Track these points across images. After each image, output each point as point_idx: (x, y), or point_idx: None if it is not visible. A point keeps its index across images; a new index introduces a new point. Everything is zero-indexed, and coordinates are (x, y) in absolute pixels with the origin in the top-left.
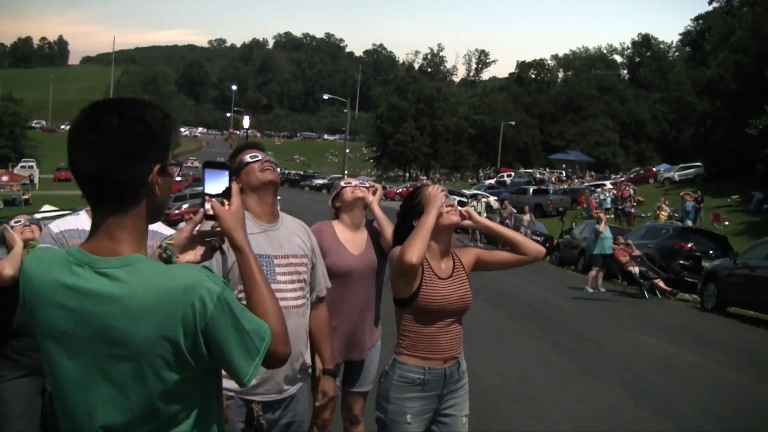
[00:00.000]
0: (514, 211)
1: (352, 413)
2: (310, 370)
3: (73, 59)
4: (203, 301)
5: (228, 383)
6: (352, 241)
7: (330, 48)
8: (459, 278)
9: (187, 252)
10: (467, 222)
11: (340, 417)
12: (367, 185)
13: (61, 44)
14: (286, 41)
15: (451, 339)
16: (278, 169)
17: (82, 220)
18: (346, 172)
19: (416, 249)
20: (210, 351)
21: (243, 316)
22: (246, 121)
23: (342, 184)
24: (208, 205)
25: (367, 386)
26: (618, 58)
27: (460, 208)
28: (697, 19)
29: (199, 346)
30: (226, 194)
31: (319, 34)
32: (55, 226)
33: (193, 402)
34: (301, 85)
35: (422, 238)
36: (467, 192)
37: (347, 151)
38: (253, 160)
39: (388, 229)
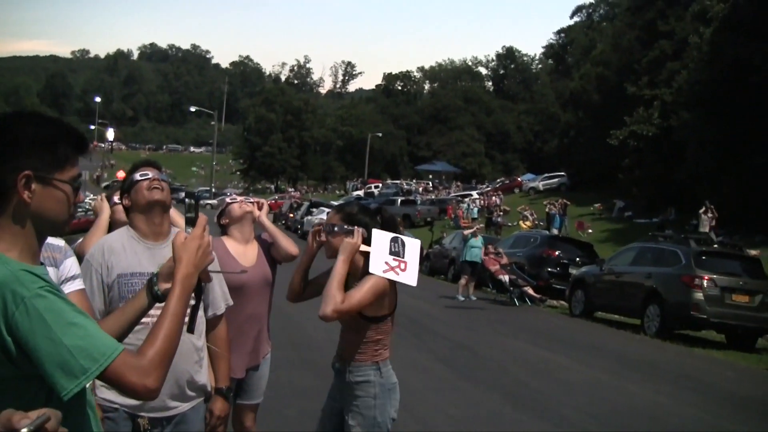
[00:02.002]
0: None
1: (244, 426)
2: (208, 388)
3: None
4: (5, 302)
5: (113, 395)
6: (243, 254)
7: (196, 59)
8: None
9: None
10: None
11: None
12: (252, 200)
13: None
14: (152, 52)
15: (343, 340)
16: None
17: None
18: (213, 185)
19: (333, 305)
20: (26, 355)
21: (64, 329)
22: (110, 134)
23: (228, 200)
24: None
25: (257, 398)
26: (483, 70)
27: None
28: (559, 32)
29: (6, 344)
30: (192, 223)
31: (185, 46)
32: None
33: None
34: (167, 96)
35: (330, 289)
36: (335, 203)
37: (215, 163)
38: (143, 178)
39: (281, 238)
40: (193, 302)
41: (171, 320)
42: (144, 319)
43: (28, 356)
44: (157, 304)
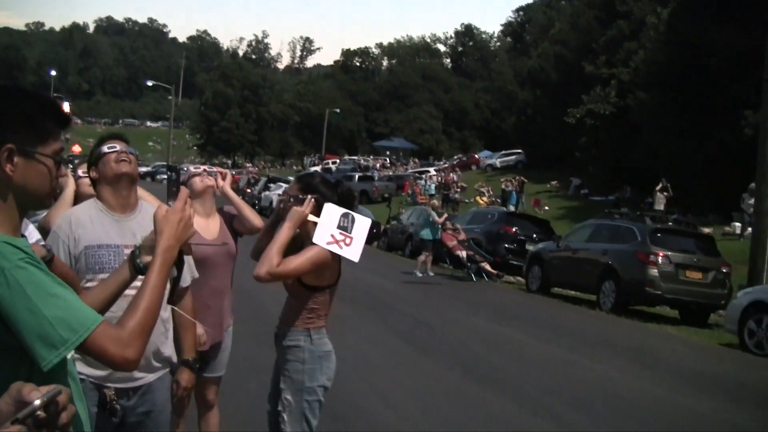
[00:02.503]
0: None
1: (207, 399)
2: (174, 359)
3: None
4: None
5: (79, 366)
6: (206, 228)
7: (153, 33)
8: None
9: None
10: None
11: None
12: (215, 170)
13: None
14: (108, 26)
15: (283, 308)
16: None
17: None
18: (170, 159)
19: (268, 267)
20: (6, 326)
21: (44, 300)
22: (66, 107)
23: (191, 171)
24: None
25: (220, 371)
26: (441, 48)
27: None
28: (518, 10)
29: None
30: (174, 196)
31: (142, 20)
32: None
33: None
34: (123, 71)
35: (269, 253)
36: (292, 179)
37: (171, 138)
38: (111, 150)
39: (246, 209)
40: (174, 274)
41: (151, 292)
42: (127, 291)
43: (9, 327)
44: (140, 277)
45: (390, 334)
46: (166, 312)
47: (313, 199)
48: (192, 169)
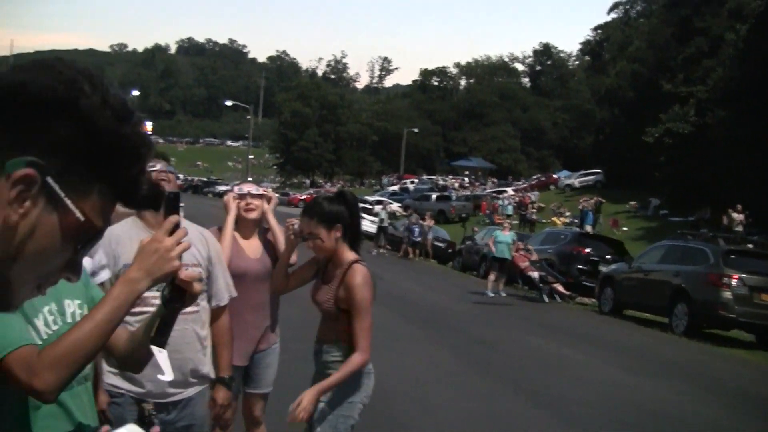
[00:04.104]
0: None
1: (253, 415)
2: (212, 376)
3: None
4: None
5: (118, 381)
6: (249, 245)
7: (233, 54)
8: (327, 286)
9: None
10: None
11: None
12: (261, 192)
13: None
14: (189, 46)
15: (321, 325)
16: (179, 178)
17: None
18: (249, 179)
19: (274, 285)
20: None
21: None
22: (148, 127)
23: (236, 190)
24: None
25: (266, 388)
26: (519, 67)
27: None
28: (596, 28)
29: None
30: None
31: (222, 40)
32: None
33: None
34: (203, 90)
35: (278, 273)
36: (370, 198)
37: (250, 157)
38: (150, 170)
39: (282, 239)
40: (162, 311)
41: (87, 324)
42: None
43: None
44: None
45: (447, 354)
46: (204, 330)
47: (339, 227)
48: (236, 189)
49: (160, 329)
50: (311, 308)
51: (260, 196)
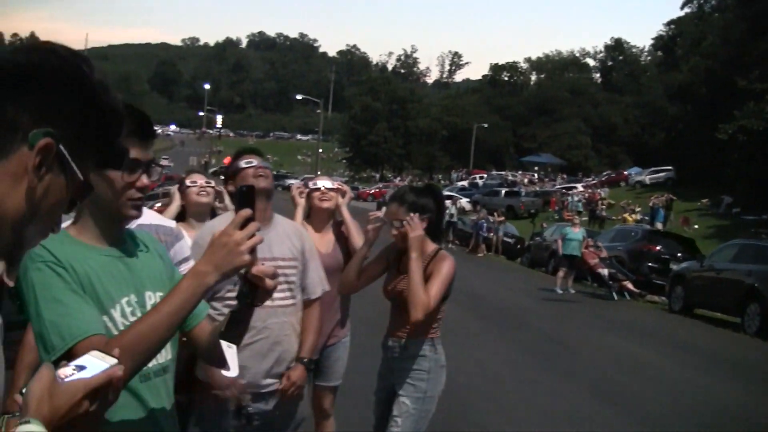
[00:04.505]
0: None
1: (323, 407)
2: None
3: None
4: (21, 270)
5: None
6: (321, 239)
7: (303, 48)
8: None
9: None
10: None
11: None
12: (336, 186)
13: (33, 41)
14: (260, 41)
15: (395, 320)
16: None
17: (150, 216)
18: (318, 172)
19: (344, 284)
20: None
21: (47, 304)
22: (219, 120)
23: (311, 185)
24: None
25: (335, 381)
26: (590, 62)
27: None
28: (669, 24)
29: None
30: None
31: (293, 34)
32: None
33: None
34: (274, 84)
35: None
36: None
37: (320, 151)
38: (248, 165)
39: (355, 233)
40: (235, 308)
41: (152, 315)
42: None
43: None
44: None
45: (519, 351)
46: (299, 323)
47: (425, 218)
48: (310, 185)
49: (230, 324)
50: (379, 303)
51: (335, 190)
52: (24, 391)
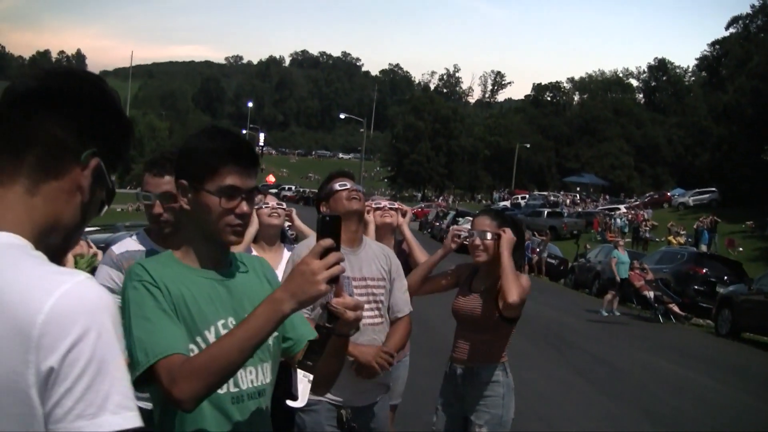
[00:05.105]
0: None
1: None
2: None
3: None
4: (123, 281)
5: None
6: None
7: (346, 67)
8: (481, 296)
9: None
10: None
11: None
12: (396, 206)
13: (79, 58)
14: (303, 59)
15: (465, 345)
16: (292, 189)
17: (133, 242)
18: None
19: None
20: None
21: (137, 321)
22: (261, 138)
23: (372, 205)
24: None
25: (396, 399)
26: (634, 82)
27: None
28: (713, 44)
29: None
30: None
31: (336, 53)
32: (116, 248)
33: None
34: (317, 103)
35: (416, 276)
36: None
37: (362, 170)
38: (342, 188)
39: (416, 249)
40: (314, 336)
41: (226, 338)
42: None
43: None
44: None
45: (569, 372)
46: (384, 337)
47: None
48: (372, 204)
49: (308, 353)
50: (437, 326)
51: (395, 209)
52: None
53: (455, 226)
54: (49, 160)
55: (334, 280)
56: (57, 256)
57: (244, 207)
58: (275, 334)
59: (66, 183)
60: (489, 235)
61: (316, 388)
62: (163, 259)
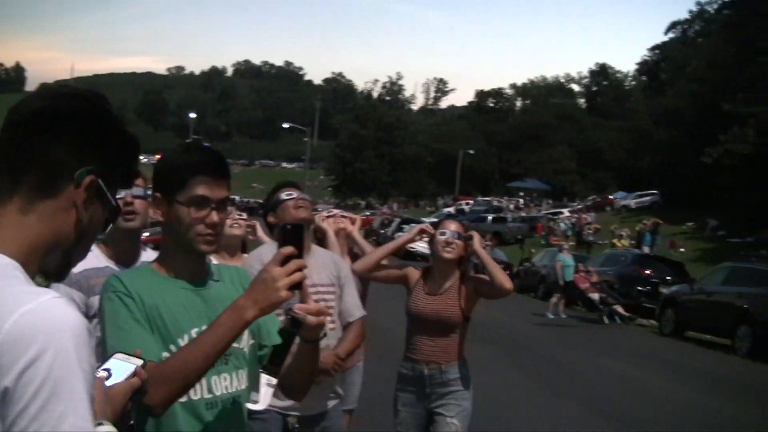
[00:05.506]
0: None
1: None
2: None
3: (31, 85)
4: (101, 293)
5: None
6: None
7: (289, 76)
8: (445, 298)
9: None
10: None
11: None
12: (348, 215)
13: (18, 70)
14: (246, 69)
15: (431, 346)
16: (235, 200)
17: (97, 255)
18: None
19: (362, 260)
20: None
21: (112, 330)
22: None
23: (325, 214)
24: None
25: (350, 405)
26: (576, 87)
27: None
28: (653, 49)
29: None
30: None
31: (279, 63)
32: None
33: None
34: (260, 112)
35: (377, 254)
36: (426, 220)
37: (306, 179)
38: (289, 198)
39: (370, 251)
40: (277, 341)
41: (192, 345)
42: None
43: None
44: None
45: (522, 374)
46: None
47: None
48: (325, 213)
49: (272, 358)
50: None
51: (344, 218)
52: None
53: (425, 223)
54: (46, 180)
55: (297, 287)
56: (60, 274)
57: (214, 217)
58: (251, 341)
59: (61, 201)
60: (458, 236)
61: (292, 395)
62: (141, 270)
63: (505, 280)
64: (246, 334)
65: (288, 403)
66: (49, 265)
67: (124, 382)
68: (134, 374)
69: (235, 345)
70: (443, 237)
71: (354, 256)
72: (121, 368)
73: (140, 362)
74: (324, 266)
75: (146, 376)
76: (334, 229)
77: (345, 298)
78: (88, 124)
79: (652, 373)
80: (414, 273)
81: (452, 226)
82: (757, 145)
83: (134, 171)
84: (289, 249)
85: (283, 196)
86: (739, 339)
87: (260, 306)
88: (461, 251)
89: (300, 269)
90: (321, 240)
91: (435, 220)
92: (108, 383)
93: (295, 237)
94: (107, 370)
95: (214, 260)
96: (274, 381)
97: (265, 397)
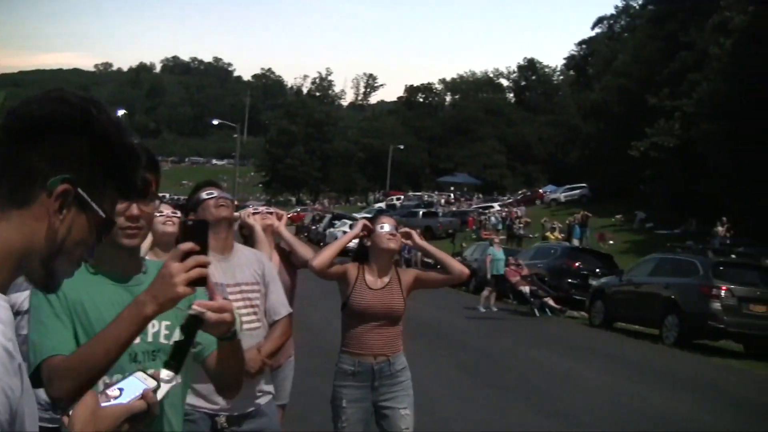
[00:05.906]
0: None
1: None
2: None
3: None
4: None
5: (192, 400)
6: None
7: (218, 72)
8: (389, 291)
9: None
10: (408, 242)
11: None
12: (273, 211)
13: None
14: (174, 65)
15: (379, 339)
16: (164, 198)
17: None
18: (236, 197)
19: (319, 257)
20: None
21: (35, 324)
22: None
23: (251, 210)
24: None
25: (284, 400)
26: (504, 82)
27: (407, 231)
28: (580, 43)
29: None
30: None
31: (207, 58)
32: None
33: None
34: (189, 109)
35: (331, 250)
36: (357, 215)
37: (237, 176)
38: (209, 197)
39: (298, 246)
40: (177, 339)
41: (95, 340)
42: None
43: None
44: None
45: (454, 368)
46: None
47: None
48: (251, 210)
49: (172, 353)
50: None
51: (271, 214)
52: (71, 414)
53: (363, 220)
54: (19, 187)
55: (200, 283)
56: (47, 285)
57: (134, 210)
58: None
59: (34, 210)
60: (395, 229)
61: (225, 393)
62: None
63: (461, 267)
64: (177, 331)
65: (216, 404)
66: (31, 275)
67: (119, 405)
68: (141, 397)
69: (164, 342)
70: (384, 230)
71: (281, 252)
72: (133, 389)
73: (153, 384)
74: (248, 264)
75: (154, 401)
76: (261, 225)
77: (270, 296)
78: (64, 130)
79: (582, 363)
80: (353, 268)
81: (389, 221)
82: (683, 138)
83: (135, 183)
84: (188, 245)
85: (204, 195)
86: (666, 329)
87: (159, 302)
88: (399, 244)
89: (202, 266)
90: (248, 237)
91: (367, 215)
92: (114, 402)
93: (198, 233)
94: (120, 389)
95: (147, 257)
96: (176, 377)
97: (163, 392)
